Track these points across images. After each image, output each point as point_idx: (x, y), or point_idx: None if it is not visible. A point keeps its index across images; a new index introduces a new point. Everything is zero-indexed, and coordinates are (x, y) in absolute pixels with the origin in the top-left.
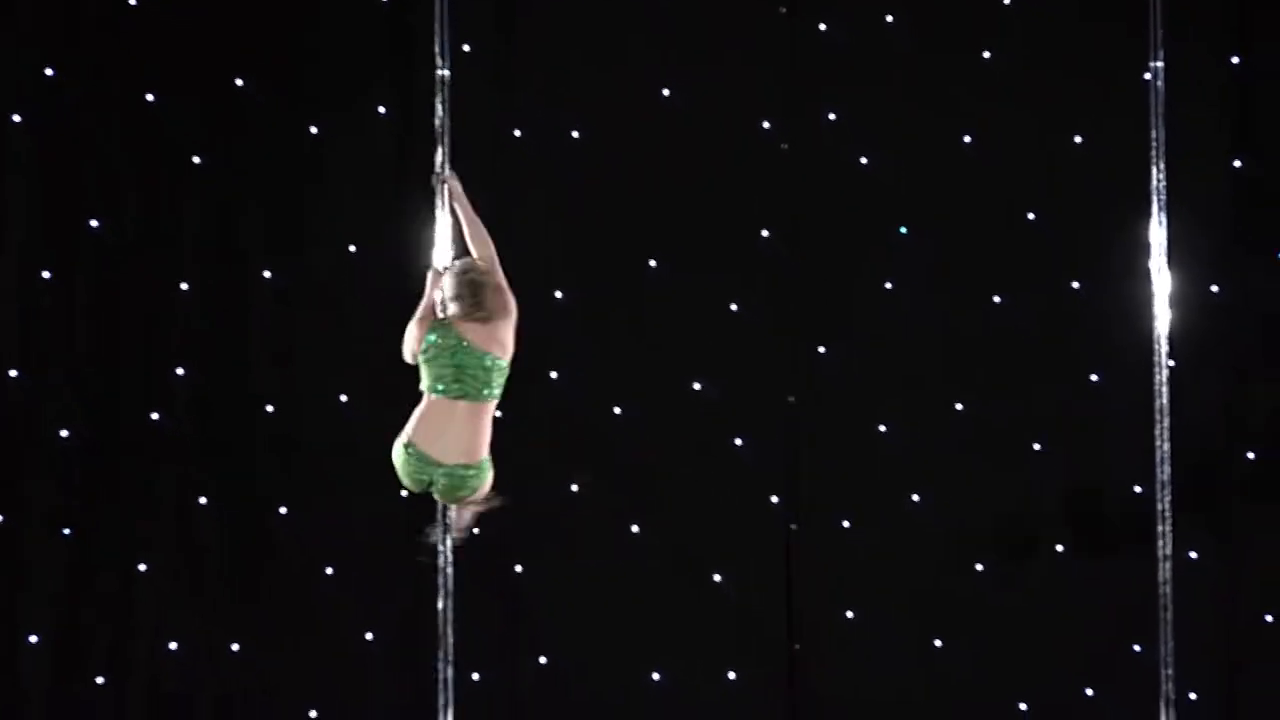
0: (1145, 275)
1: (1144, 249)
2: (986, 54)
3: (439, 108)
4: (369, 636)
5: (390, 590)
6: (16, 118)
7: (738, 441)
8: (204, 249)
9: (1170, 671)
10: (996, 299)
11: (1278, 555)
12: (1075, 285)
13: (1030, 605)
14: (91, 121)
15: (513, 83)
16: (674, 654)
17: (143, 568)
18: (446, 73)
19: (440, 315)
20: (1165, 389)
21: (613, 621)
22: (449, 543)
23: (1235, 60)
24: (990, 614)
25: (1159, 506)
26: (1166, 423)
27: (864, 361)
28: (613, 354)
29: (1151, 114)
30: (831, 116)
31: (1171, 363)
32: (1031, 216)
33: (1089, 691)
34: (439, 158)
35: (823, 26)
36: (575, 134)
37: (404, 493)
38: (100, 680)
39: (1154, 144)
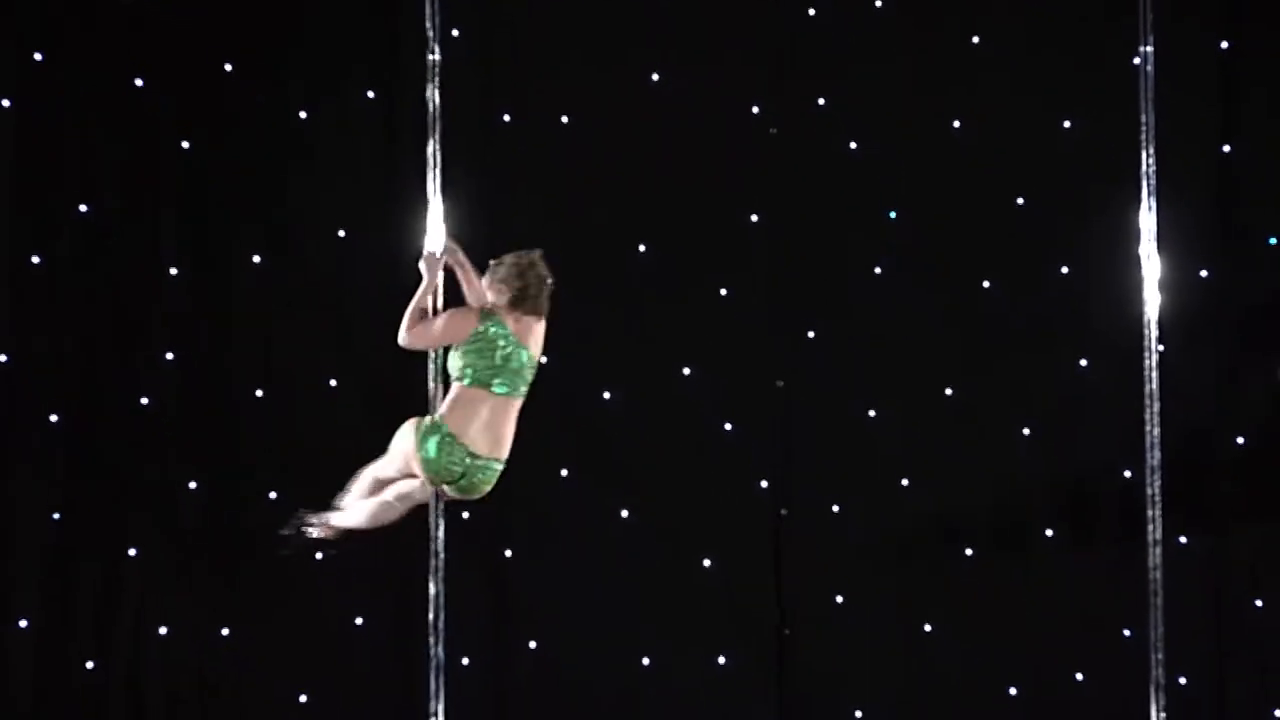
0: (1135, 260)
1: (1134, 234)
2: (976, 39)
3: (430, 91)
4: (359, 621)
5: (380, 575)
6: (5, 102)
7: (727, 427)
8: (192, 235)
9: (1160, 656)
10: (986, 284)
11: (1267, 540)
12: (1065, 270)
13: (1020, 590)
14: (79, 106)
15: (502, 68)
16: (664, 638)
17: (132, 552)
18: (437, 57)
19: (475, 304)
20: (1155, 374)
21: (603, 606)
22: (440, 527)
23: (1225, 45)
24: (980, 599)
25: (1149, 491)
26: (1156, 407)
27: (853, 347)
28: (602, 339)
29: (1141, 99)
30: (821, 102)
31: (1161, 347)
32: (1021, 201)
33: (1079, 676)
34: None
35: (812, 11)
36: (564, 119)
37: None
38: (90, 665)
39: (1144, 129)
